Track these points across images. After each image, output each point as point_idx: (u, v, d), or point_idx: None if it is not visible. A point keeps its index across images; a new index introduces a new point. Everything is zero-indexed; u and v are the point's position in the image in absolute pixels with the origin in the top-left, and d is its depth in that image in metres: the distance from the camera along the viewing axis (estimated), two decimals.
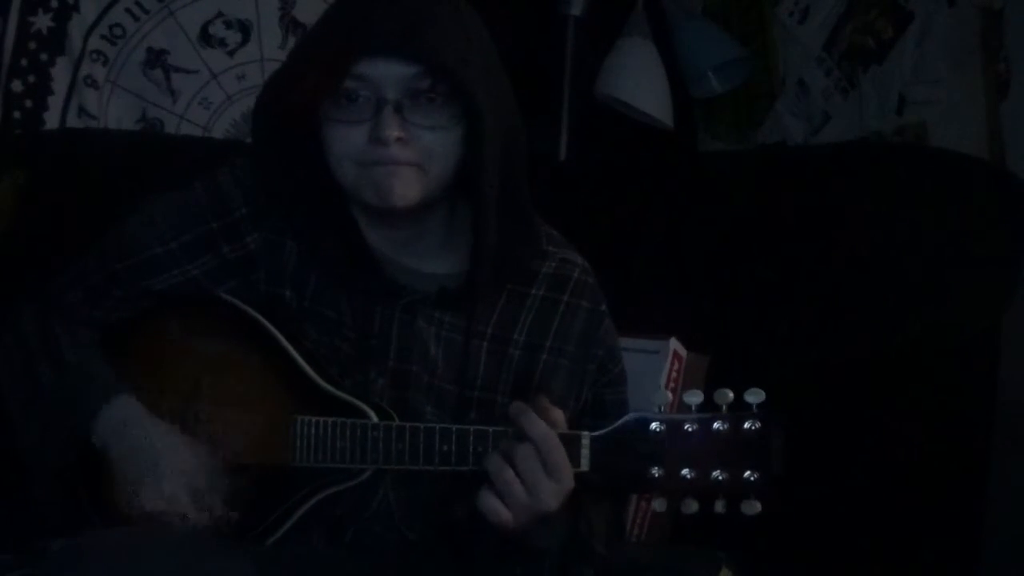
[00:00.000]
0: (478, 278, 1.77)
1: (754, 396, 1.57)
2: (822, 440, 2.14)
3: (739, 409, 1.58)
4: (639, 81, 3.11)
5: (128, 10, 2.81)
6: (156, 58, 2.85)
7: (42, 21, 2.72)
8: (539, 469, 1.60)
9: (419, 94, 1.67)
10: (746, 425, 1.57)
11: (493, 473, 1.61)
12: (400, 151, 1.67)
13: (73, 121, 2.77)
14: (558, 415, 1.65)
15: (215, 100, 2.92)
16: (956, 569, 2.21)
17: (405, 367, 1.76)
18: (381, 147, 1.67)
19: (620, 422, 1.62)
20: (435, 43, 1.65)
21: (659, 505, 1.62)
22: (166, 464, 1.68)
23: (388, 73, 1.66)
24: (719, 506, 1.58)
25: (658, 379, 2.25)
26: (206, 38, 2.89)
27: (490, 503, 1.61)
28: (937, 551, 2.19)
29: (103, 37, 2.79)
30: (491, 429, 1.63)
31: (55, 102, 2.75)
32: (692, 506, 1.59)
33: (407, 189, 1.69)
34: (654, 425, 1.60)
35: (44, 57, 2.73)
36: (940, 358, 2.22)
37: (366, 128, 1.68)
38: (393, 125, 1.66)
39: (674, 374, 2.28)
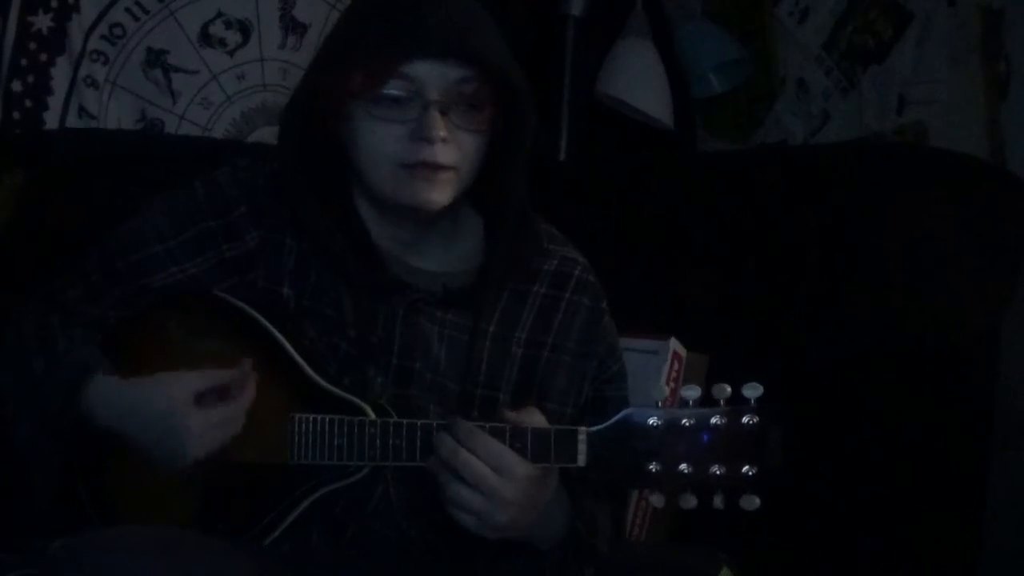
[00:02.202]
0: (492, 278, 1.79)
1: (752, 390, 1.56)
2: (822, 440, 2.14)
3: (737, 403, 1.58)
4: (639, 81, 3.12)
5: (128, 10, 2.81)
6: (156, 58, 2.85)
7: (42, 21, 2.73)
8: (482, 469, 1.60)
9: (461, 97, 1.70)
10: (744, 420, 1.57)
11: (443, 485, 1.62)
12: (442, 152, 1.69)
13: (73, 121, 2.77)
14: (536, 417, 1.66)
15: (215, 100, 2.92)
16: (956, 569, 2.21)
17: (408, 365, 1.76)
18: (426, 146, 1.69)
19: (617, 417, 1.61)
20: (487, 47, 1.70)
21: (657, 500, 1.61)
22: (177, 407, 1.66)
23: (436, 75, 1.69)
24: (717, 501, 1.57)
25: (658, 379, 2.25)
26: (206, 38, 2.90)
27: (452, 512, 1.62)
28: (937, 551, 2.19)
29: (103, 37, 2.79)
30: (488, 425, 1.63)
31: (55, 102, 2.75)
32: (690, 501, 1.58)
33: (444, 193, 1.72)
34: (652, 420, 1.59)
35: (44, 57, 2.73)
36: (940, 358, 2.21)
37: (407, 128, 1.70)
38: (440, 126, 1.68)
39: (674, 374, 2.28)
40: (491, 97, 1.72)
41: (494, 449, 1.60)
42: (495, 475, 1.59)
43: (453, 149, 1.70)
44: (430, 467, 1.63)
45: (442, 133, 1.68)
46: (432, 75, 1.68)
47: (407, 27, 1.67)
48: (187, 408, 1.66)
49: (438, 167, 1.70)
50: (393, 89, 1.69)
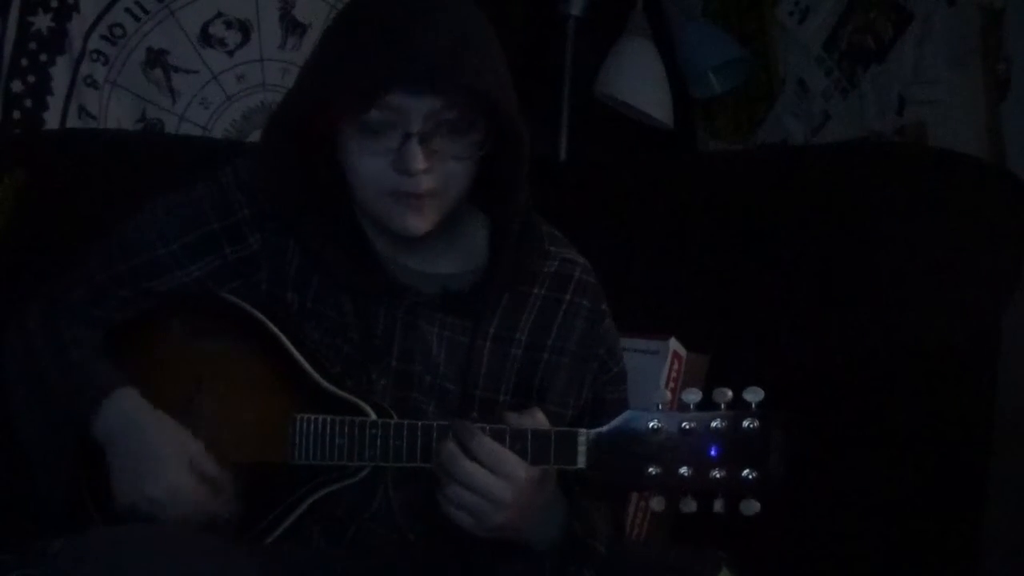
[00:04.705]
0: (494, 282, 1.79)
1: (753, 395, 1.56)
2: (821, 439, 2.13)
3: (738, 408, 1.58)
4: (639, 81, 3.12)
5: (128, 10, 2.81)
6: (156, 58, 2.86)
7: (42, 21, 2.73)
8: (480, 473, 1.60)
9: (444, 124, 1.67)
10: (745, 424, 1.57)
11: (439, 478, 1.62)
12: (424, 181, 1.67)
13: (73, 121, 2.77)
14: (537, 417, 1.66)
15: (215, 100, 2.93)
16: (956, 569, 2.21)
17: (407, 368, 1.76)
18: (406, 177, 1.67)
19: (618, 420, 1.61)
20: (471, 73, 1.64)
21: (657, 504, 1.61)
22: (171, 454, 1.69)
23: (416, 105, 1.64)
24: (718, 505, 1.58)
25: (658, 379, 2.24)
26: (206, 38, 2.90)
27: (448, 511, 1.63)
28: (937, 551, 2.19)
29: (103, 37, 2.79)
30: (488, 427, 1.63)
31: (55, 102, 2.75)
32: (690, 505, 1.59)
33: (428, 219, 1.71)
34: (652, 423, 1.59)
35: (44, 57, 2.73)
36: (940, 358, 2.21)
37: (390, 157, 1.67)
38: (419, 157, 1.65)
39: (674, 374, 2.28)
40: (479, 118, 1.68)
41: (493, 451, 1.61)
42: (493, 477, 1.60)
43: (436, 177, 1.68)
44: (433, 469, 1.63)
45: (421, 165, 1.65)
46: (412, 105, 1.64)
47: (386, 57, 1.63)
48: (180, 462, 1.69)
49: (421, 195, 1.69)
50: (374, 117, 1.66)
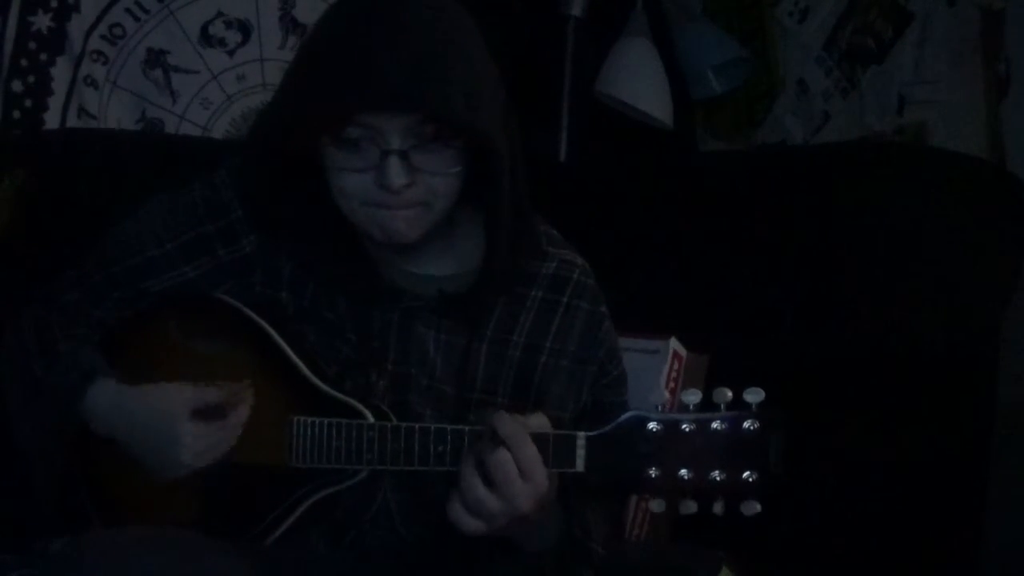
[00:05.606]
0: (490, 285, 1.77)
1: (753, 395, 1.56)
2: (822, 440, 2.14)
3: (738, 408, 1.57)
4: (639, 81, 3.12)
5: (128, 10, 2.81)
6: (156, 58, 2.85)
7: (42, 21, 2.72)
8: (512, 471, 1.58)
9: (422, 138, 1.65)
10: (745, 425, 1.56)
11: (464, 478, 1.60)
12: (407, 194, 1.66)
13: (73, 121, 2.76)
14: (540, 420, 1.64)
15: (215, 100, 2.92)
16: (956, 569, 2.21)
17: (404, 370, 1.75)
18: (388, 193, 1.65)
19: (617, 422, 1.60)
20: (442, 91, 1.61)
21: (657, 506, 1.60)
22: (169, 413, 1.67)
23: (393, 123, 1.62)
24: (718, 507, 1.57)
25: (658, 379, 2.25)
26: (206, 38, 2.89)
27: (458, 515, 1.61)
28: (937, 551, 2.19)
29: (103, 37, 2.79)
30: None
31: (55, 102, 2.75)
32: (690, 507, 1.58)
33: (413, 227, 1.69)
34: (651, 425, 1.58)
35: (44, 57, 2.72)
36: (940, 358, 2.21)
37: (371, 172, 1.65)
38: (400, 174, 1.63)
39: (674, 374, 2.28)
40: (457, 132, 1.65)
41: (531, 455, 1.59)
42: (521, 480, 1.58)
43: (418, 191, 1.66)
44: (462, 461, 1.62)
45: (401, 181, 1.63)
46: (387, 123, 1.62)
47: (358, 76, 1.60)
48: (181, 420, 1.67)
49: (404, 206, 1.67)
50: (352, 133, 1.64)
